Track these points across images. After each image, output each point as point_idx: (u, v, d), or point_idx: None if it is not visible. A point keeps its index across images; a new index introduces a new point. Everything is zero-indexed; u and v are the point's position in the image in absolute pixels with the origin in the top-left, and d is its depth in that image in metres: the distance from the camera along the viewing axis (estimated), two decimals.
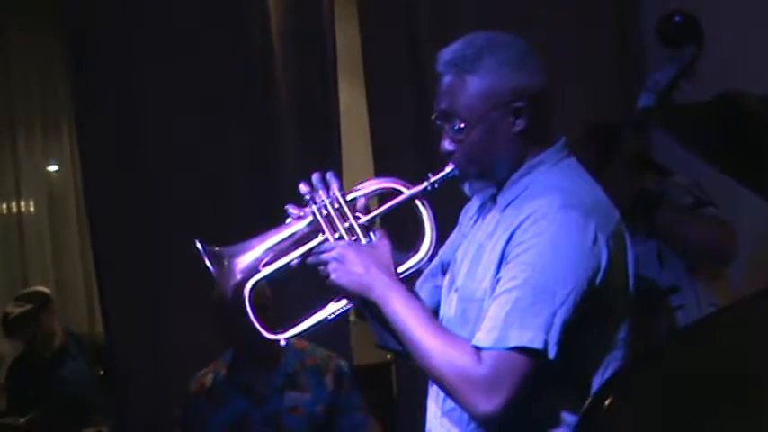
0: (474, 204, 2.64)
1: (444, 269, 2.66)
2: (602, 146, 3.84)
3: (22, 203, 7.25)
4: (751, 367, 2.19)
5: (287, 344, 4.15)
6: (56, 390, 5.45)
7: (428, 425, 2.58)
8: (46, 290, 5.79)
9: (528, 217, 2.35)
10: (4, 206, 7.28)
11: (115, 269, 5.28)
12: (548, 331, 2.28)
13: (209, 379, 4.22)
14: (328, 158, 5.17)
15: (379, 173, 5.02)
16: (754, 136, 3.32)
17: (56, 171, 7.36)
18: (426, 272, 2.71)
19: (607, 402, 2.17)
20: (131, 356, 5.26)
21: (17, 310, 5.56)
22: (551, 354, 2.27)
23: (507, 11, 5.17)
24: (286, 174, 5.09)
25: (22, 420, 5.37)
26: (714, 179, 3.68)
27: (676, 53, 3.70)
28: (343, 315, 2.54)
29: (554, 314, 2.28)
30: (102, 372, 5.64)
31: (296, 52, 5.30)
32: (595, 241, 2.33)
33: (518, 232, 2.35)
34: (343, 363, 4.23)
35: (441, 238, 2.59)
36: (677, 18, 3.70)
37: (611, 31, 5.21)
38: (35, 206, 7.28)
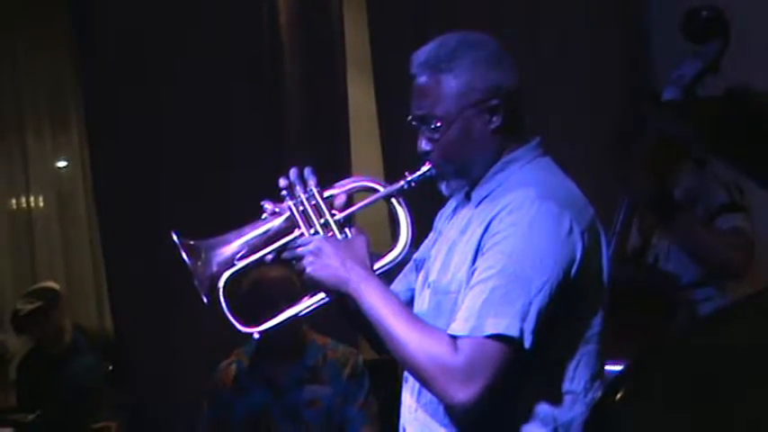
0: (450, 206, 2.71)
1: (419, 270, 2.71)
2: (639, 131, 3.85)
3: (32, 199, 7.25)
4: (757, 364, 2.19)
5: (311, 339, 4.21)
6: (65, 385, 5.46)
7: (402, 420, 2.63)
8: (56, 286, 5.80)
9: (503, 208, 2.41)
10: (14, 202, 7.30)
11: (124, 264, 5.32)
12: (524, 319, 2.32)
13: (233, 369, 4.26)
14: (337, 155, 5.20)
15: (389, 170, 5.04)
16: (763, 131, 3.34)
17: (65, 167, 7.36)
18: (401, 273, 2.78)
19: (619, 395, 2.18)
20: (140, 351, 5.29)
21: (27, 307, 5.56)
22: (527, 342, 2.32)
23: (515, 9, 5.16)
24: None
25: (30, 417, 5.37)
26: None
27: (701, 48, 3.69)
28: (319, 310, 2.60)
29: (530, 303, 2.33)
30: (110, 367, 5.64)
31: (305, 49, 5.35)
32: (570, 232, 2.39)
33: (494, 223, 2.41)
34: (360, 359, 4.28)
35: (417, 237, 2.66)
36: (704, 13, 3.69)
37: (618, 31, 5.20)
38: (44, 202, 7.29)
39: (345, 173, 5.07)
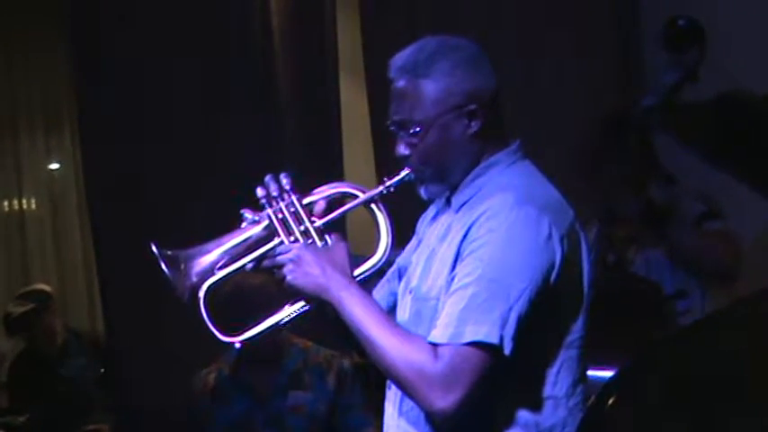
0: (431, 211, 2.70)
1: (401, 275, 2.71)
2: (612, 141, 3.87)
3: (24, 201, 7.25)
4: (750, 368, 2.19)
5: (292, 343, 4.18)
6: (57, 387, 5.45)
7: (385, 427, 2.62)
8: (47, 288, 5.80)
9: (482, 214, 2.41)
10: (6, 204, 7.31)
11: (116, 267, 5.31)
12: (503, 326, 2.31)
13: (212, 378, 4.23)
14: (330, 158, 5.20)
15: (381, 173, 5.02)
16: (756, 134, 3.36)
17: (57, 169, 7.36)
18: (384, 278, 2.76)
19: (610, 401, 2.18)
20: (132, 353, 5.27)
21: (19, 310, 5.56)
22: (507, 349, 2.32)
23: (506, 11, 5.16)
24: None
25: (21, 419, 5.36)
26: (714, 181, 3.71)
27: (679, 57, 3.71)
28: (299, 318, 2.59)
29: (510, 309, 2.32)
30: (102, 370, 5.64)
31: (297, 51, 5.33)
32: (550, 236, 2.38)
33: (473, 229, 2.41)
34: (345, 362, 4.26)
35: (398, 242, 2.65)
36: (681, 22, 3.72)
37: (611, 33, 5.20)
38: (37, 204, 7.30)
39: (337, 176, 5.07)
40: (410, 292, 2.57)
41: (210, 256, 2.53)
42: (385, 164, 5.14)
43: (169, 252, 2.52)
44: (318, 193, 2.61)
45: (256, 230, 2.55)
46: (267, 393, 4.20)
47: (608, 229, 3.86)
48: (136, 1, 5.33)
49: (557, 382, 2.44)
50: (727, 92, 3.36)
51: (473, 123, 2.48)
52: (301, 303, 2.55)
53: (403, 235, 2.70)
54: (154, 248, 2.50)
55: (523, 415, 2.42)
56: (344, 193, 2.63)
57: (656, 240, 3.86)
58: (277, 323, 2.58)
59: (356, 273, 2.55)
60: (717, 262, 3.83)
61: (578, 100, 5.07)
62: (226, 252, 2.53)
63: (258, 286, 3.92)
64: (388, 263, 2.66)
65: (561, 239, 2.39)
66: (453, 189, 2.55)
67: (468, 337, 2.30)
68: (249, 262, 2.54)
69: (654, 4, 4.99)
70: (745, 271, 3.88)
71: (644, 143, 3.85)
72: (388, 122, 2.55)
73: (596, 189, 3.87)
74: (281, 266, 2.51)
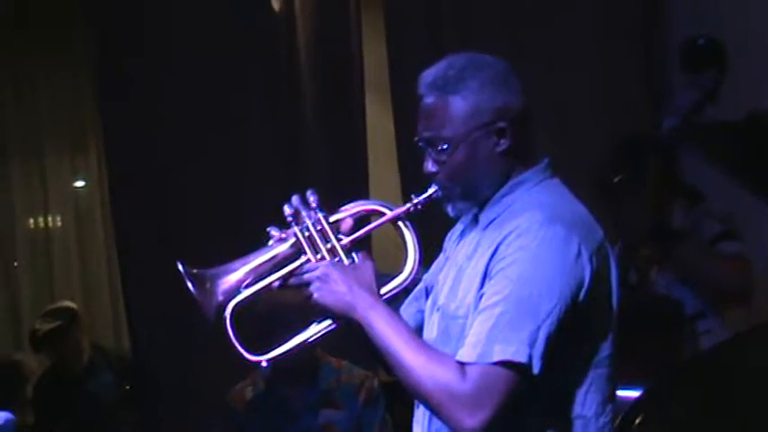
0: (458, 228, 2.69)
1: (428, 293, 2.70)
2: (631, 163, 3.88)
3: (50, 219, 7.29)
4: None
5: (326, 362, 4.19)
6: (83, 405, 5.47)
7: None
8: (73, 305, 5.82)
9: (511, 232, 2.40)
10: (32, 221, 7.34)
11: (142, 283, 5.33)
12: (532, 345, 2.30)
13: (248, 392, 4.26)
14: (356, 178, 5.22)
15: (407, 192, 5.03)
16: None
17: (83, 186, 7.39)
18: (411, 296, 2.76)
19: (637, 421, 2.19)
20: (158, 370, 5.29)
21: (46, 327, 5.58)
22: (536, 368, 2.31)
23: (532, 32, 5.16)
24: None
25: None
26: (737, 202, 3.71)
27: (699, 78, 3.71)
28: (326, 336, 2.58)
29: (538, 328, 2.31)
30: (128, 387, 5.65)
31: (323, 70, 5.35)
32: (579, 255, 2.38)
33: (501, 247, 2.40)
34: (376, 381, 4.27)
35: (425, 260, 2.64)
36: (700, 42, 3.71)
37: (637, 45, 5.21)
38: (62, 221, 7.32)
39: (363, 194, 5.09)
40: (438, 310, 2.56)
41: (237, 274, 2.53)
42: (411, 181, 5.17)
43: (195, 271, 2.52)
44: (345, 210, 2.61)
45: (283, 248, 2.55)
46: (298, 411, 4.23)
47: (630, 249, 3.86)
48: (158, 19, 5.37)
49: (585, 401, 2.42)
50: (755, 111, 3.37)
51: (502, 141, 2.48)
52: (328, 322, 2.55)
53: (430, 252, 2.70)
54: (180, 267, 2.50)
55: None
56: (371, 210, 2.63)
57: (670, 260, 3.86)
58: (304, 341, 2.57)
59: (383, 291, 2.54)
60: (722, 283, 3.82)
61: (602, 119, 5.07)
62: (252, 270, 2.53)
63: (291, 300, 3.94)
64: (416, 281, 2.66)
65: (590, 258, 2.38)
66: (481, 206, 2.55)
67: (497, 357, 2.29)
68: (275, 280, 2.54)
69: (682, 24, 5.00)
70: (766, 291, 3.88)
71: (667, 164, 3.85)
72: (417, 139, 2.54)
73: (615, 209, 3.87)
74: (307, 285, 2.51)
